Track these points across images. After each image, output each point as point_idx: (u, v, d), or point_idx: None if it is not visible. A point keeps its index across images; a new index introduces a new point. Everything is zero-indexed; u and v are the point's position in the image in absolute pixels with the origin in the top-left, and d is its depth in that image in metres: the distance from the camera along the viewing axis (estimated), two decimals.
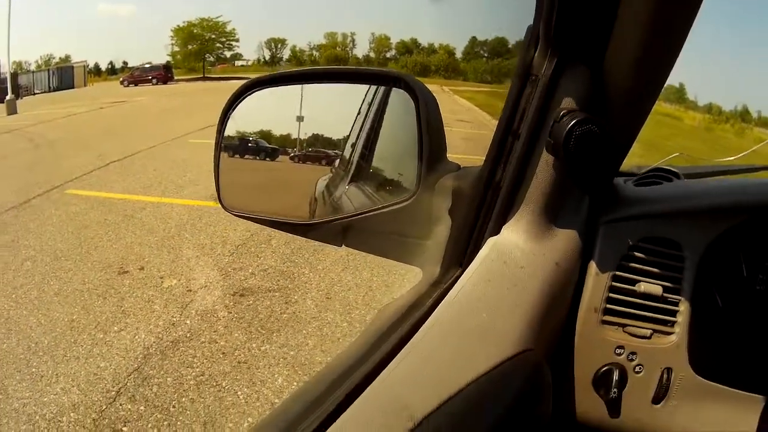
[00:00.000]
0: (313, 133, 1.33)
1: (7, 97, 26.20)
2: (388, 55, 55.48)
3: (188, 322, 4.29)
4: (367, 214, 1.14)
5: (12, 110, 23.99)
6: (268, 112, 1.33)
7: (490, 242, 0.91)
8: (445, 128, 1.13)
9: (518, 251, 0.89)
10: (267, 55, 57.03)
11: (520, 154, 0.88)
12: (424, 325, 0.79)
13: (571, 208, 0.93)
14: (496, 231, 0.92)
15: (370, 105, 1.39)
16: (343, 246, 1.22)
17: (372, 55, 56.18)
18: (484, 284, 0.86)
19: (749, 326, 0.98)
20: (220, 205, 1.28)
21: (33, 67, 45.41)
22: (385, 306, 0.99)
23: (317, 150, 1.34)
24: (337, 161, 1.36)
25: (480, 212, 0.94)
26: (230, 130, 1.28)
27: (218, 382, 3.55)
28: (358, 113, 1.39)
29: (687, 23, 0.75)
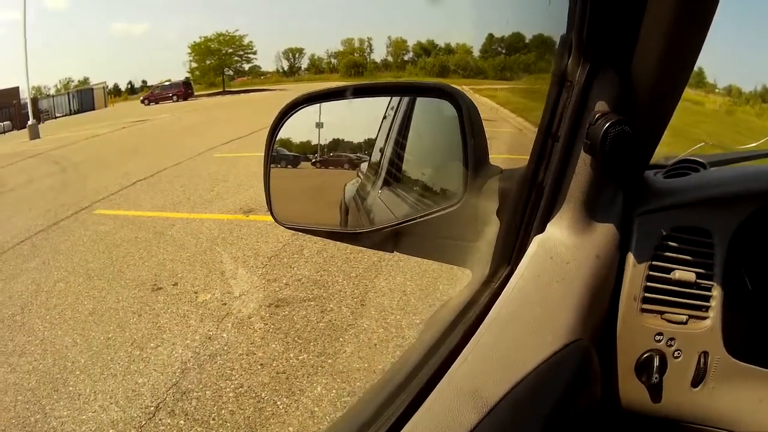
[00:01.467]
0: (333, 139, 1.36)
1: (29, 122, 26.65)
2: (405, 57, 55.72)
3: (224, 335, 4.26)
4: (416, 220, 1.17)
5: (35, 135, 24.40)
6: (309, 126, 1.35)
7: (537, 240, 0.97)
8: None
9: (563, 247, 0.95)
10: (285, 65, 57.47)
11: (560, 156, 0.94)
12: (483, 322, 0.87)
13: (607, 202, 0.98)
14: (542, 229, 0.98)
15: (395, 110, 1.42)
16: (395, 252, 1.26)
17: (390, 59, 56.47)
18: (534, 280, 0.93)
19: None
20: (272, 219, 1.30)
21: (52, 91, 46.16)
22: (440, 307, 1.07)
23: (339, 155, 1.38)
24: (364, 165, 1.41)
25: (525, 212, 0.99)
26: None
27: (257, 393, 3.51)
28: (384, 117, 1.42)
29: (706, 25, 0.81)
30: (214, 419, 3.30)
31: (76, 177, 11.98)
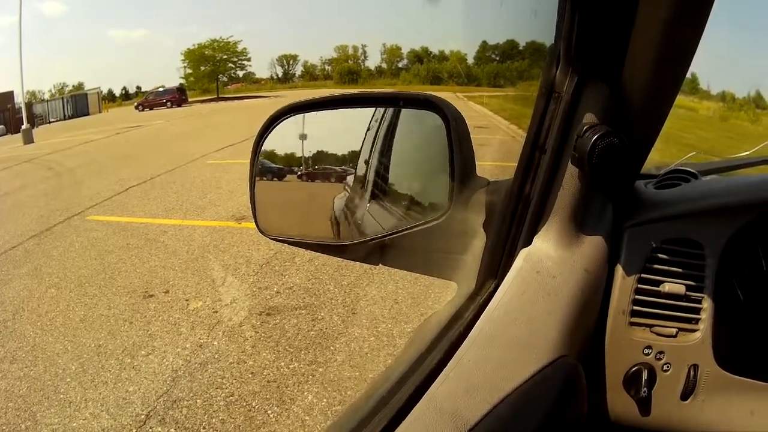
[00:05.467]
0: (318, 150, 1.36)
1: (23, 127, 26.67)
2: (400, 65, 55.84)
3: (216, 343, 4.27)
4: (403, 233, 1.16)
5: (28, 140, 24.45)
6: (293, 137, 1.35)
7: (523, 253, 0.97)
8: None
9: (550, 261, 0.95)
10: (280, 72, 57.49)
11: (547, 168, 0.93)
12: (467, 338, 0.87)
13: (596, 215, 0.98)
14: (528, 242, 0.97)
15: (380, 121, 1.40)
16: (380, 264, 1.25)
17: (384, 65, 56.60)
18: (519, 296, 0.92)
19: None
20: (256, 228, 1.31)
21: (47, 96, 46.30)
22: (425, 321, 1.10)
23: (325, 167, 1.37)
24: (350, 178, 1.39)
25: (512, 225, 0.98)
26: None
27: (248, 402, 3.52)
28: (368, 128, 1.40)
29: (697, 34, 0.79)
30: (204, 428, 3.30)
31: (70, 182, 11.97)
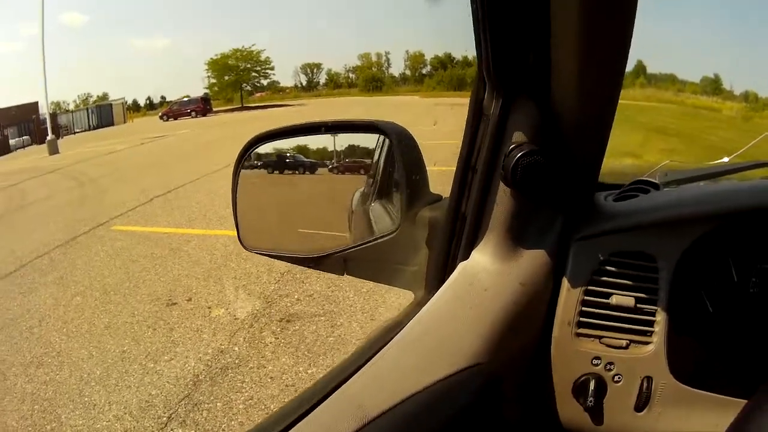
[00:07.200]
0: (349, 145, 1.43)
1: (48, 138, 26.90)
2: (423, 71, 55.44)
3: (236, 348, 4.32)
4: (360, 246, 1.25)
5: (53, 150, 24.62)
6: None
7: (460, 267, 1.00)
8: None
9: (485, 274, 0.98)
10: (303, 80, 57.32)
11: (479, 187, 0.97)
12: (391, 341, 0.92)
13: (540, 229, 0.99)
14: (466, 256, 1.00)
15: (379, 147, 1.45)
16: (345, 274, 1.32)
17: (408, 72, 56.35)
18: (448, 305, 0.97)
19: (744, 329, 1.01)
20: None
21: (71, 107, 46.37)
22: (377, 327, 1.09)
23: (354, 160, 1.45)
24: (370, 175, 1.46)
25: (451, 240, 1.02)
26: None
27: (267, 406, 3.56)
28: (374, 149, 1.45)
29: (621, 36, 0.78)
30: (223, 430, 3.35)
31: (95, 192, 12.10)
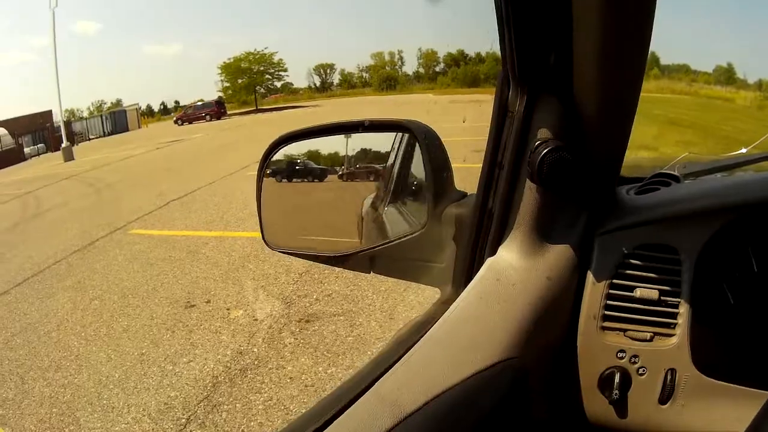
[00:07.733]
0: (362, 148, 1.48)
1: (63, 145, 27.33)
2: (437, 69, 55.68)
3: (255, 350, 4.30)
4: (388, 245, 1.28)
5: (69, 157, 25.01)
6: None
7: (488, 263, 1.02)
8: None
9: (512, 270, 0.99)
10: (317, 81, 57.70)
11: (505, 183, 0.98)
12: (422, 339, 0.93)
13: (566, 224, 1.01)
14: (493, 252, 1.02)
15: (396, 147, 1.48)
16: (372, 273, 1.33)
17: (421, 70, 56.59)
18: (477, 301, 0.97)
19: (765, 320, 1.00)
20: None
21: (85, 114, 47.19)
22: (404, 325, 1.10)
23: (365, 165, 1.50)
24: (380, 181, 1.51)
25: (479, 236, 1.04)
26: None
27: (286, 406, 3.53)
28: (390, 151, 1.49)
29: (641, 35, 0.80)
30: (243, 431, 3.33)
31: (111, 198, 12.22)
